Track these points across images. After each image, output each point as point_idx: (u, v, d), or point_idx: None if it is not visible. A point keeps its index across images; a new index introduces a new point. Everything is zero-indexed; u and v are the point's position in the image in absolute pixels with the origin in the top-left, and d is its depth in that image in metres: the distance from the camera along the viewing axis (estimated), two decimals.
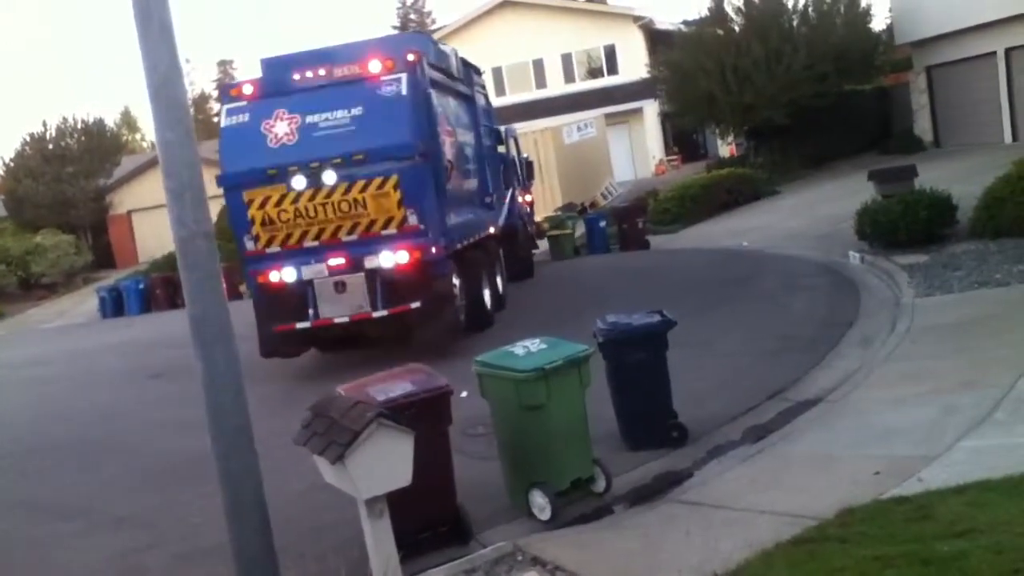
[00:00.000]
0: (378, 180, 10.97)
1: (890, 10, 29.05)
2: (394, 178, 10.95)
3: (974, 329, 8.97)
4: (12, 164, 38.61)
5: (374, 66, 11.11)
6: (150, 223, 36.59)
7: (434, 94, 11.81)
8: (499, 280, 14.52)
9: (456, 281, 12.00)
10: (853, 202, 15.01)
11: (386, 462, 4.85)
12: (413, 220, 11.09)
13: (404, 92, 11.06)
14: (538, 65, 40.57)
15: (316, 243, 11.27)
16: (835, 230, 16.47)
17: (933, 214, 13.38)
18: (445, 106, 12.73)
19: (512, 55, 39.35)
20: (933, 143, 27.21)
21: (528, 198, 19.96)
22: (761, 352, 9.62)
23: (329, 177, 10.96)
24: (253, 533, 4.66)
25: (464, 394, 7.39)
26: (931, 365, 8.10)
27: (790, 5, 28.50)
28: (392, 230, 11.13)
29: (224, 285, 4.80)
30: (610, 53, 39.55)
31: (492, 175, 15.46)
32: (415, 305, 11.11)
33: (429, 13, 73.91)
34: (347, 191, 11.03)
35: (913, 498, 5.12)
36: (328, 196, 11.05)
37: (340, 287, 11.29)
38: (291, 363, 12.21)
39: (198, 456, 7.29)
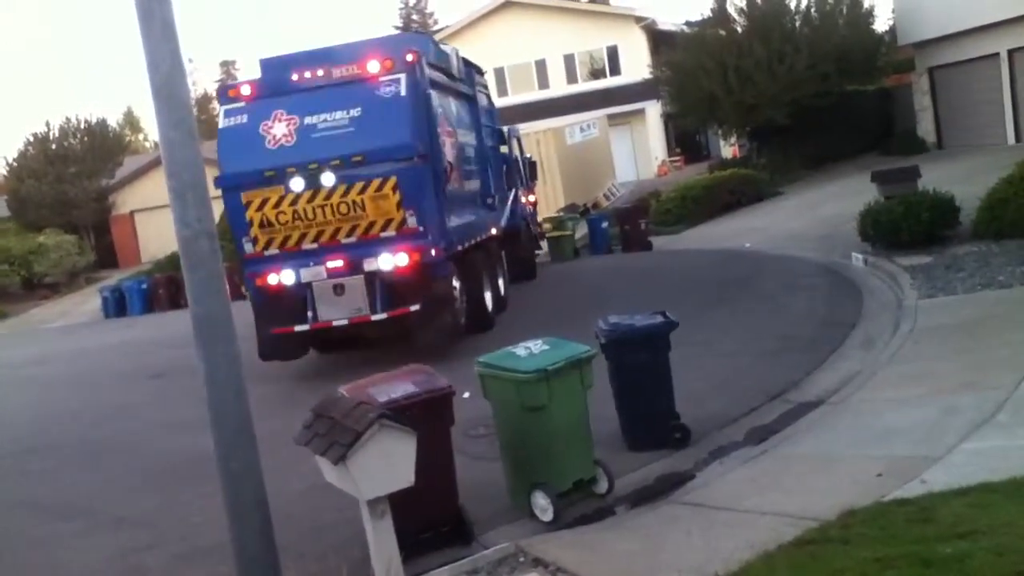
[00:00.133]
0: (377, 182, 10.89)
1: (892, 11, 29.04)
2: (393, 180, 10.87)
3: (977, 331, 8.95)
4: (15, 164, 38.65)
5: (373, 67, 11.04)
6: (153, 223, 36.63)
7: (434, 94, 11.74)
8: (500, 282, 14.44)
9: (456, 283, 11.92)
10: (855, 203, 15.00)
11: (388, 463, 4.85)
12: (412, 222, 11.00)
13: (403, 93, 10.99)
14: (540, 66, 40.58)
15: (315, 245, 11.18)
16: (837, 231, 16.47)
17: (935, 215, 13.37)
18: (445, 106, 12.67)
19: (514, 56, 39.36)
20: (936, 144, 27.19)
21: (531, 198, 19.90)
22: (763, 353, 9.62)
23: (328, 179, 10.88)
24: (254, 533, 4.66)
25: (466, 395, 7.39)
26: (933, 366, 8.09)
27: (792, 6, 28.53)
28: (391, 232, 11.05)
29: (227, 285, 4.80)
30: (612, 54, 39.56)
31: (494, 176, 15.40)
32: (414, 308, 11.04)
33: (431, 14, 74.05)
34: (346, 193, 10.94)
35: (915, 500, 5.11)
36: (327, 198, 10.97)
37: (339, 290, 11.21)
38: (291, 364, 12.21)
39: (199, 456, 7.33)
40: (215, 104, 11.89)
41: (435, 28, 59.03)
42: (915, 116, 28.22)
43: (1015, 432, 6.12)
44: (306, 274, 11.19)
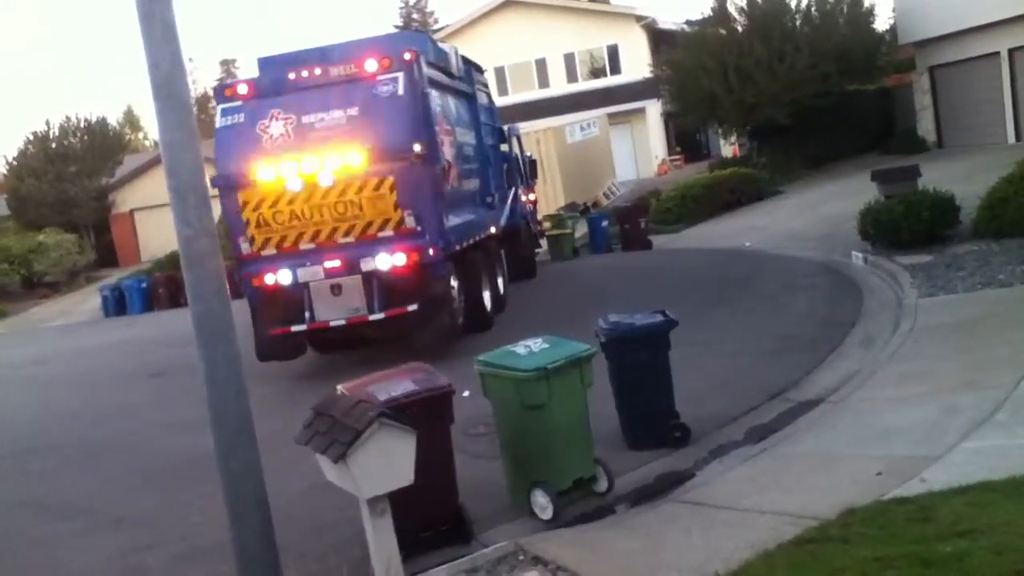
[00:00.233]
0: (374, 181, 10.83)
1: (893, 10, 29.03)
2: (390, 179, 10.81)
3: (977, 330, 8.96)
4: (15, 163, 38.64)
5: (371, 65, 10.98)
6: (153, 222, 36.63)
7: (432, 93, 11.67)
8: (500, 281, 14.38)
9: (455, 283, 11.86)
10: (856, 202, 15.01)
11: (388, 461, 4.85)
12: (410, 222, 10.95)
13: (401, 92, 10.92)
14: (541, 65, 40.57)
15: (312, 245, 11.12)
16: (837, 230, 16.47)
17: (936, 214, 13.37)
18: (444, 105, 12.61)
19: (515, 55, 39.35)
20: (936, 143, 27.19)
21: (531, 197, 19.89)
22: (763, 352, 9.62)
23: (325, 178, 10.81)
24: (254, 532, 4.66)
25: (466, 393, 7.40)
26: (933, 366, 8.09)
27: (793, 5, 28.51)
28: (389, 232, 10.99)
29: (227, 284, 4.80)
30: (613, 53, 39.54)
31: (494, 174, 15.35)
32: (412, 308, 11.00)
33: (432, 13, 74.06)
34: (343, 192, 10.88)
35: (914, 499, 5.11)
36: (324, 197, 10.91)
37: (336, 290, 11.17)
38: (291, 364, 12.20)
39: (199, 455, 7.34)
40: (215, 103, 11.79)
41: (435, 27, 59.02)
42: (915, 115, 28.22)
43: (1015, 431, 6.12)
44: (303, 274, 11.12)
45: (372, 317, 11.06)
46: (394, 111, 10.91)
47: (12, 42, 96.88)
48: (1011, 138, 23.96)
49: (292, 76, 11.19)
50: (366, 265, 11.03)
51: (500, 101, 24.21)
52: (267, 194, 11.01)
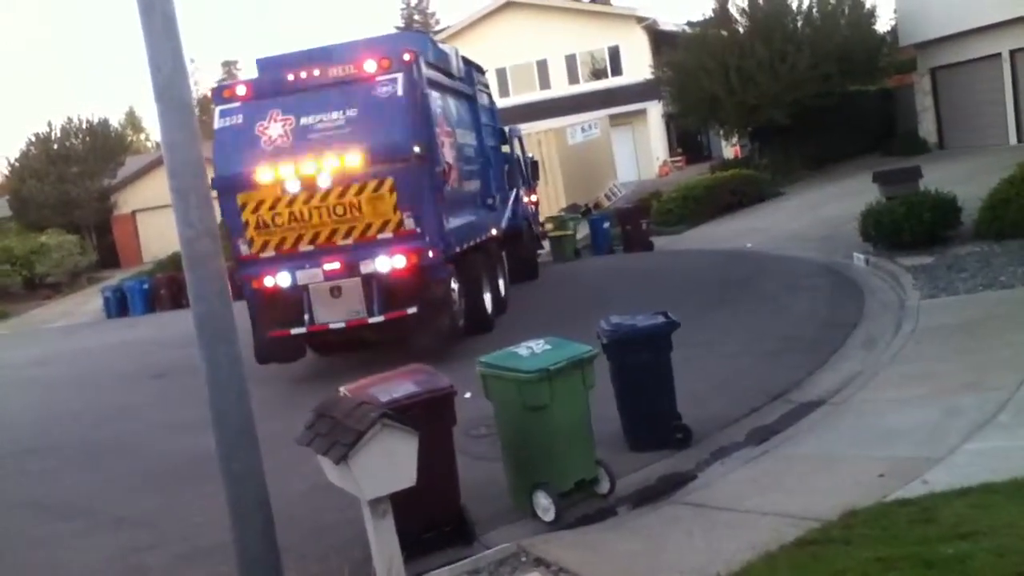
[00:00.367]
0: (374, 183, 10.78)
1: (895, 11, 29.03)
2: (390, 181, 10.75)
3: (979, 331, 8.95)
4: (17, 164, 38.69)
5: (369, 66, 10.92)
6: (154, 223, 36.65)
7: (432, 94, 11.63)
8: (501, 283, 14.33)
9: (455, 285, 11.80)
10: (857, 203, 15.00)
11: (390, 463, 4.85)
12: (409, 224, 10.90)
13: (400, 92, 10.86)
14: (542, 66, 40.59)
15: (311, 247, 11.06)
16: (839, 231, 16.46)
17: (937, 216, 13.36)
18: (444, 106, 12.57)
19: (516, 56, 39.37)
20: (937, 144, 27.17)
21: (533, 198, 19.87)
22: (765, 353, 9.61)
23: (324, 180, 10.76)
24: (256, 533, 4.67)
25: (467, 395, 7.39)
26: (935, 367, 8.09)
27: (794, 6, 28.51)
28: (388, 234, 10.94)
29: (229, 285, 4.80)
30: (614, 54, 39.56)
31: (495, 176, 15.30)
32: (412, 310, 10.94)
33: (433, 14, 74.10)
34: (342, 194, 10.82)
35: (917, 500, 5.11)
36: (323, 199, 10.86)
37: (336, 292, 11.11)
38: (291, 366, 12.17)
39: (200, 456, 7.34)
40: (213, 104, 11.75)
41: (437, 28, 59.05)
42: (917, 116, 28.20)
43: (1017, 433, 6.12)
44: (303, 276, 11.06)
45: (372, 320, 11.02)
46: (393, 112, 10.86)
47: (12, 42, 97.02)
48: (1012, 139, 23.93)
49: (291, 77, 11.13)
50: (365, 267, 10.98)
51: (501, 102, 24.23)
52: (266, 196, 10.95)
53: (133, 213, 39.34)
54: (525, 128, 22.75)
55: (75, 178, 37.45)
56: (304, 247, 11.10)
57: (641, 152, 40.09)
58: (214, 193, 9.10)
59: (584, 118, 33.97)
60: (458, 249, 11.95)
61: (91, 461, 9.54)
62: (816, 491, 5.81)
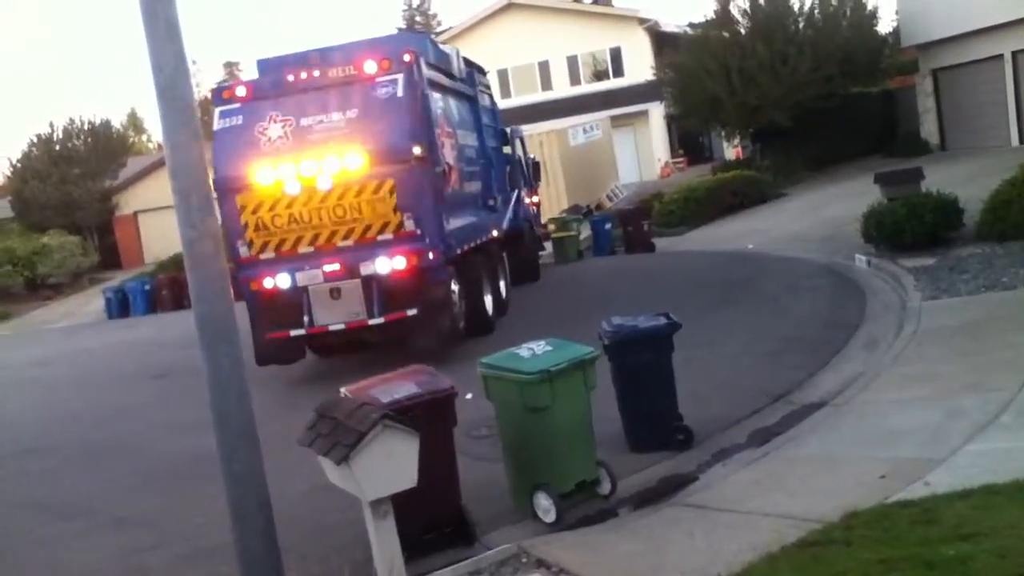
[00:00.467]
0: (374, 184, 10.74)
1: (896, 13, 29.03)
2: (390, 182, 10.72)
3: (980, 332, 8.94)
4: (19, 165, 38.73)
5: (370, 67, 10.89)
6: (156, 224, 36.63)
7: (433, 95, 11.60)
8: (502, 284, 14.29)
9: (455, 287, 11.76)
10: (859, 204, 15.00)
11: (391, 463, 4.85)
12: (410, 225, 10.87)
13: (400, 93, 10.83)
14: (544, 67, 40.61)
15: (311, 249, 11.02)
16: (840, 233, 16.45)
17: (939, 217, 13.36)
18: (445, 107, 12.55)
19: (518, 57, 39.39)
20: (939, 146, 27.17)
21: (535, 199, 19.86)
22: (766, 354, 9.61)
23: (324, 181, 10.73)
24: (257, 534, 4.66)
25: (469, 396, 7.39)
26: (937, 368, 8.08)
27: (796, 7, 28.51)
28: (388, 235, 10.91)
29: (230, 286, 4.81)
30: (616, 55, 39.57)
31: (496, 177, 15.28)
32: (412, 312, 10.89)
33: (435, 15, 74.17)
34: (342, 195, 10.78)
35: (918, 501, 5.11)
36: (323, 200, 10.83)
37: (336, 294, 11.07)
38: (292, 367, 12.16)
39: (201, 457, 7.33)
40: (213, 105, 11.74)
41: (438, 30, 59.06)
42: (918, 118, 28.20)
43: (1019, 434, 6.11)
44: (302, 278, 11.02)
45: (372, 321, 10.98)
46: (393, 113, 10.82)
47: (12, 42, 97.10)
48: (1014, 141, 23.92)
49: (291, 78, 11.09)
50: (365, 269, 10.94)
51: (503, 103, 24.22)
52: (265, 197, 10.92)
53: (135, 214, 39.35)
54: (527, 129, 22.76)
55: (77, 179, 37.47)
56: (304, 248, 11.06)
57: (643, 153, 40.10)
58: (214, 194, 9.08)
59: (586, 119, 33.99)
60: (459, 250, 11.90)
61: (92, 461, 9.54)
62: (818, 492, 5.81)
